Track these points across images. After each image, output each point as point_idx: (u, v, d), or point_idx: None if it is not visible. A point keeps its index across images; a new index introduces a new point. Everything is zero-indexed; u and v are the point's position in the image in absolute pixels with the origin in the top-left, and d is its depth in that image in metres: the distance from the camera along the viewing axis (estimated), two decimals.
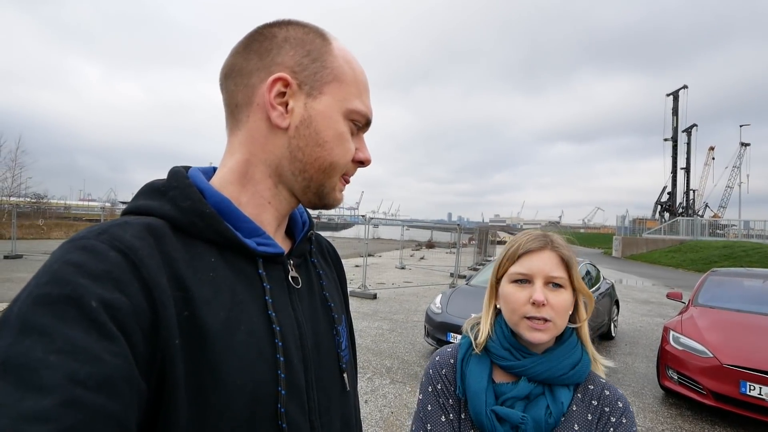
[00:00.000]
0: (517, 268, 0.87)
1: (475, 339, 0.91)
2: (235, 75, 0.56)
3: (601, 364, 0.90)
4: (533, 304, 0.82)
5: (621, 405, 0.84)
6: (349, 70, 0.58)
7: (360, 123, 0.60)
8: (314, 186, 0.59)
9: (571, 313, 0.88)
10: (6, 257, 13.40)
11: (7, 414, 0.30)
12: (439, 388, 0.91)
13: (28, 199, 33.43)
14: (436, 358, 0.97)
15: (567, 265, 0.85)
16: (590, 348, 0.89)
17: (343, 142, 0.58)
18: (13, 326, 0.35)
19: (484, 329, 0.91)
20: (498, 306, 0.92)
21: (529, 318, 0.83)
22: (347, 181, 0.63)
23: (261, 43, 0.56)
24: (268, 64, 0.55)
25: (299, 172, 0.57)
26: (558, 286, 0.84)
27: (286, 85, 0.54)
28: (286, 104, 0.55)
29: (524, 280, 0.86)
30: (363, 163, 0.62)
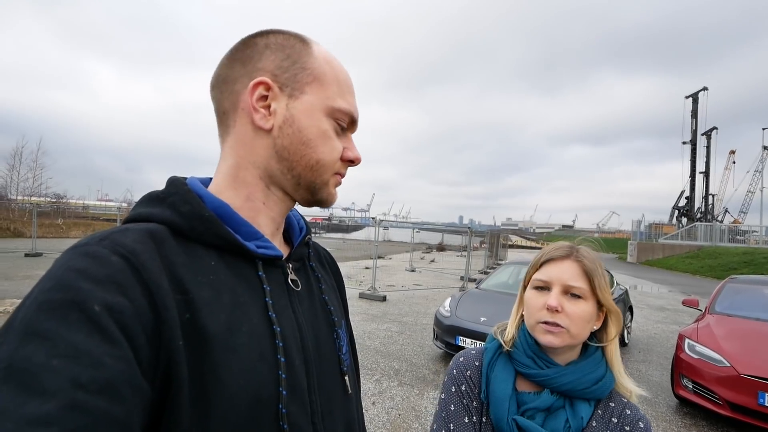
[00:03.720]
0: (538, 275, 0.89)
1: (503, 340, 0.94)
2: (221, 84, 0.58)
3: (633, 393, 0.87)
4: (548, 309, 0.84)
5: (642, 425, 0.83)
6: (330, 70, 0.59)
7: (344, 122, 0.61)
8: (304, 183, 0.60)
9: (597, 329, 0.88)
10: (27, 255, 13.82)
11: (10, 418, 0.31)
12: (463, 389, 0.92)
13: (49, 199, 34.32)
14: (461, 359, 0.97)
15: (589, 277, 0.84)
16: (618, 370, 0.88)
17: (327, 140, 0.59)
18: (17, 331, 0.35)
19: (510, 330, 0.93)
20: (523, 313, 0.93)
21: (543, 322, 0.84)
22: (339, 181, 0.63)
23: (243, 52, 0.58)
24: (250, 71, 0.57)
25: (288, 171, 0.58)
26: (577, 296, 0.84)
27: (268, 88, 0.56)
28: (269, 107, 0.57)
29: (544, 287, 0.88)
30: (353, 161, 0.63)
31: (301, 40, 0.59)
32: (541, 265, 0.90)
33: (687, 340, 4.20)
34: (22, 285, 8.61)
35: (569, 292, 0.85)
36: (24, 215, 26.92)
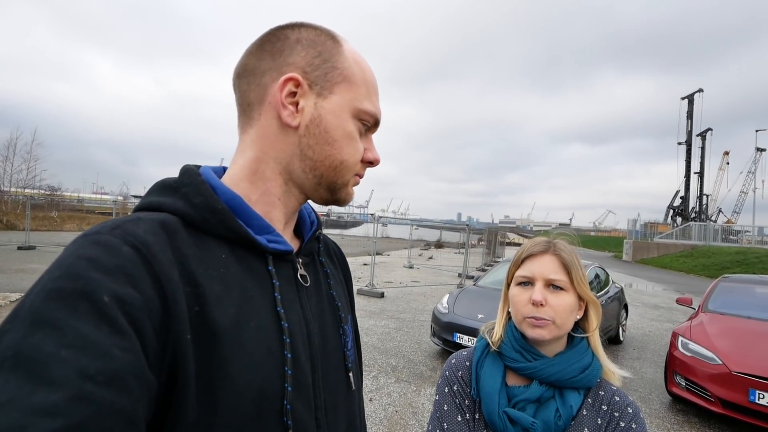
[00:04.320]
0: (520, 272, 0.93)
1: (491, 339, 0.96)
2: (248, 74, 0.57)
3: (615, 374, 0.91)
4: (533, 304, 0.87)
5: (631, 411, 0.85)
6: (359, 71, 0.59)
7: (368, 123, 0.61)
8: (325, 183, 0.60)
9: (579, 318, 0.91)
10: (20, 248, 13.63)
11: (17, 407, 0.30)
12: (455, 389, 0.95)
13: (43, 191, 34.00)
14: (453, 361, 1.00)
15: (567, 269, 0.88)
16: (602, 356, 0.91)
17: (351, 141, 0.59)
18: (25, 319, 0.35)
19: (498, 330, 0.96)
20: (509, 310, 0.95)
21: (530, 317, 0.87)
22: (358, 181, 0.63)
23: (274, 44, 0.57)
24: (280, 64, 0.56)
25: (310, 170, 0.58)
26: (559, 288, 0.88)
27: (297, 84, 0.56)
28: (297, 103, 0.56)
29: (527, 283, 0.91)
30: (372, 163, 0.63)
31: (332, 38, 0.59)
32: (522, 262, 0.93)
33: (680, 338, 4.25)
34: (14, 278, 8.51)
35: (551, 285, 0.88)
36: (17, 207, 26.70)
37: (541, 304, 0.86)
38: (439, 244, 31.63)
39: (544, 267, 0.89)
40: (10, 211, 25.65)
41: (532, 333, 0.87)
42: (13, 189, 31.22)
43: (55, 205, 32.48)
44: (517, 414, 0.83)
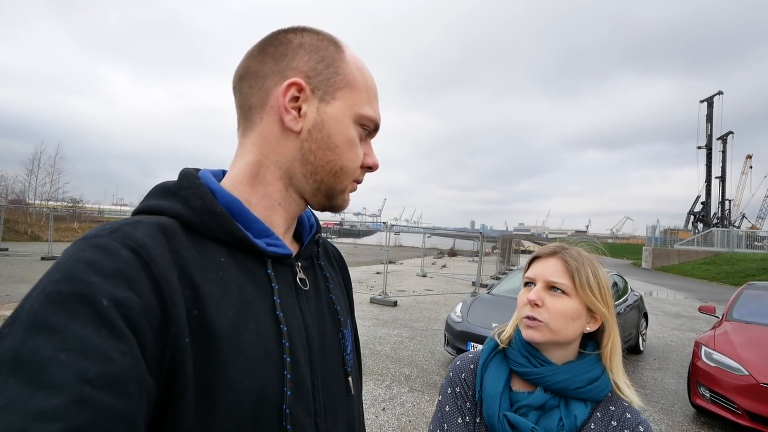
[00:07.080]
0: (527, 273, 0.93)
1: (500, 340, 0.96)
2: (249, 77, 0.57)
3: (630, 397, 0.87)
4: (529, 303, 0.87)
5: (642, 429, 0.82)
6: (360, 77, 0.60)
7: (369, 128, 0.62)
8: (324, 188, 0.60)
9: (592, 330, 0.88)
10: (43, 258, 14.23)
11: (16, 412, 0.30)
12: (458, 390, 0.94)
13: (65, 203, 34.98)
14: (458, 363, 1.00)
15: (571, 274, 0.86)
16: (617, 375, 0.88)
17: (353, 147, 0.59)
18: (24, 323, 0.35)
19: (508, 330, 0.95)
20: None
21: (525, 317, 0.87)
22: (356, 187, 0.64)
23: (276, 48, 0.57)
24: (282, 68, 0.56)
25: (310, 175, 0.58)
26: (559, 291, 0.86)
27: (300, 89, 0.56)
28: (299, 108, 0.56)
29: (531, 284, 0.91)
30: (371, 168, 0.63)
31: (335, 43, 0.59)
32: (530, 264, 0.94)
33: (704, 348, 4.12)
34: None
35: (552, 288, 0.86)
36: (41, 219, 27.54)
37: (536, 305, 0.85)
38: (452, 253, 31.46)
39: (546, 269, 0.88)
40: (34, 223, 26.47)
41: (525, 333, 0.87)
42: (37, 201, 32.24)
43: (77, 216, 33.31)
44: (517, 418, 0.81)
